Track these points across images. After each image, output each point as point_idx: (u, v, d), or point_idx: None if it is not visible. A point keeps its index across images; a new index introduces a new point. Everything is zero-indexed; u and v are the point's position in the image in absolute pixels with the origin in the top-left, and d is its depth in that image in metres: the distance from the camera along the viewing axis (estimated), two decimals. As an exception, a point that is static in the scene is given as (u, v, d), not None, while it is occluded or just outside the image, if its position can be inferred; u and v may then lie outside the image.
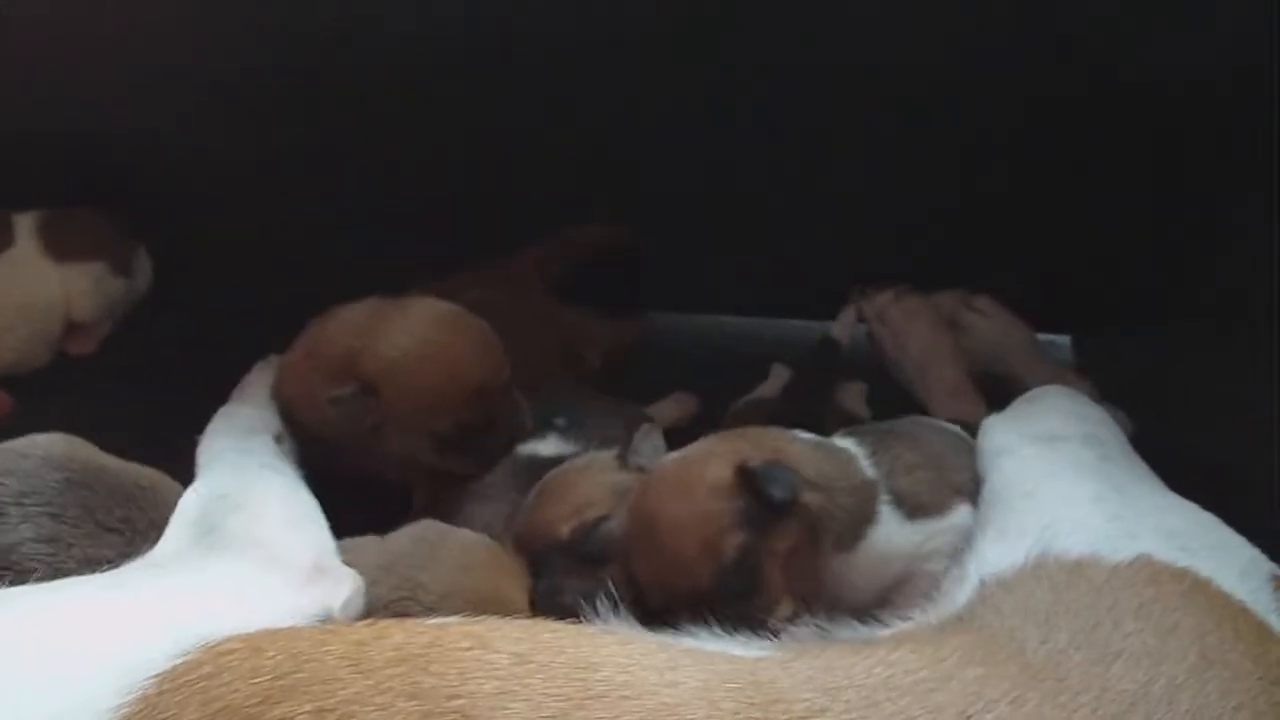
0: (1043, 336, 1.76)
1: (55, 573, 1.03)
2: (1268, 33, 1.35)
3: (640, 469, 1.26)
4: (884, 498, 1.18)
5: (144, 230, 1.90)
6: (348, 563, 1.11)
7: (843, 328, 1.72)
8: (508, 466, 1.43)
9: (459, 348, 1.35)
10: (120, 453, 1.24)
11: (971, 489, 1.19)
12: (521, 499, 1.33)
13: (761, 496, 1.09)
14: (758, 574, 1.09)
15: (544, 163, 1.73)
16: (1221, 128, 1.46)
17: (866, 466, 1.20)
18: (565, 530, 1.21)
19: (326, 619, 0.99)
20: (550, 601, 1.15)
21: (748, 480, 1.10)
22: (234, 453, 1.30)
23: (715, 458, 1.13)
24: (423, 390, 1.32)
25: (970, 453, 1.24)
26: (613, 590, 1.07)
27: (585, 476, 1.27)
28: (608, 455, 1.31)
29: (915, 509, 1.18)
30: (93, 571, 1.00)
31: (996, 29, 1.48)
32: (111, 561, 1.04)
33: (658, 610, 1.08)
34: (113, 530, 1.12)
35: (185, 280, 1.92)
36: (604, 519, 1.21)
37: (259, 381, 1.55)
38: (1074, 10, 1.45)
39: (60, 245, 1.81)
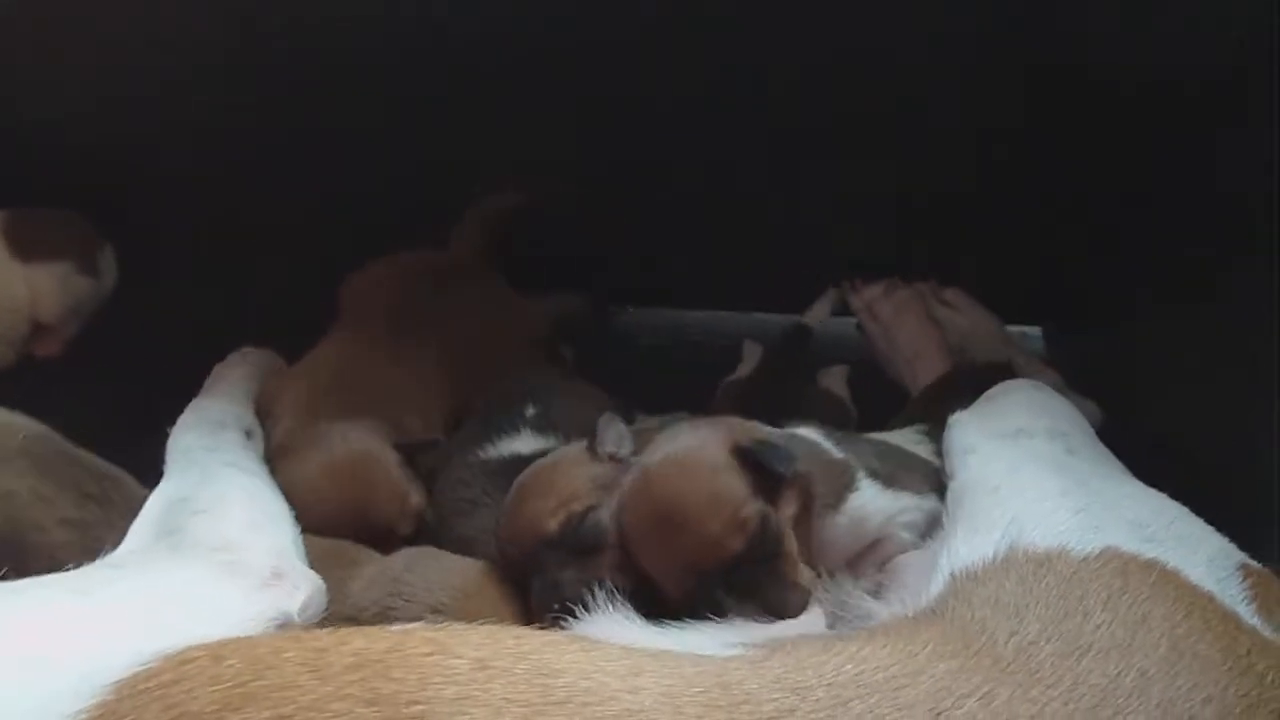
0: (1013, 328, 1.77)
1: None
2: (1238, 28, 1.35)
3: (611, 457, 1.25)
4: (860, 471, 1.23)
5: (110, 230, 1.87)
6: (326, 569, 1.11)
7: (816, 314, 1.72)
8: (484, 473, 1.41)
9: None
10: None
11: (939, 488, 1.23)
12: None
13: (765, 469, 1.13)
14: (780, 538, 1.12)
15: (532, 161, 1.71)
16: (1192, 120, 1.45)
17: (833, 449, 1.25)
18: (553, 524, 1.19)
19: (285, 623, 0.98)
20: (549, 598, 1.13)
21: (747, 458, 1.14)
22: (201, 450, 1.29)
23: (707, 444, 1.16)
24: None
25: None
26: (609, 581, 1.10)
27: (561, 470, 1.25)
28: (576, 448, 1.29)
29: (890, 481, 1.24)
30: (75, 533, 1.05)
31: (967, 27, 1.48)
32: (91, 527, 1.08)
33: (663, 601, 1.10)
34: (91, 498, 1.14)
35: (151, 280, 1.88)
36: (591, 509, 1.19)
37: (232, 374, 1.54)
38: (1043, 8, 1.45)
39: (25, 245, 1.76)
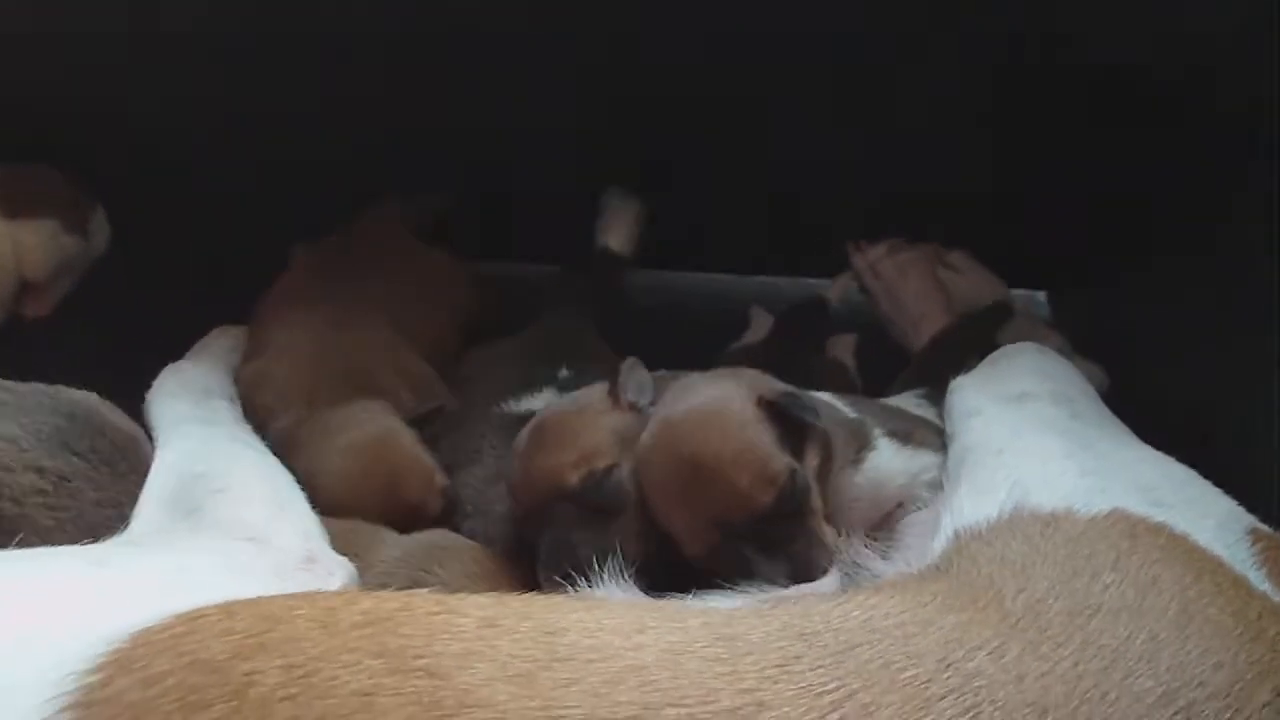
0: (1019, 292, 1.75)
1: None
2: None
3: (633, 406, 1.22)
4: (877, 430, 1.22)
5: (104, 191, 1.84)
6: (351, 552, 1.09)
7: (836, 290, 1.72)
8: (498, 426, 1.39)
9: None
10: None
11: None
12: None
13: (792, 420, 1.12)
14: (808, 493, 1.11)
15: (529, 128, 1.68)
16: (1197, 83, 1.43)
17: (847, 409, 1.24)
18: (574, 479, 1.14)
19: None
20: (558, 556, 1.11)
21: (774, 410, 1.12)
22: (197, 421, 1.27)
23: (732, 396, 1.13)
24: None
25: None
26: (621, 549, 1.08)
27: (585, 420, 1.20)
28: (599, 394, 1.25)
29: (908, 439, 1.22)
30: (45, 482, 1.02)
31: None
32: (70, 479, 1.05)
33: (679, 567, 1.09)
34: (75, 453, 1.10)
35: (147, 242, 1.85)
36: (614, 467, 1.16)
37: (216, 345, 1.53)
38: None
39: (10, 202, 1.71)
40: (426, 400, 1.48)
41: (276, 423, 1.40)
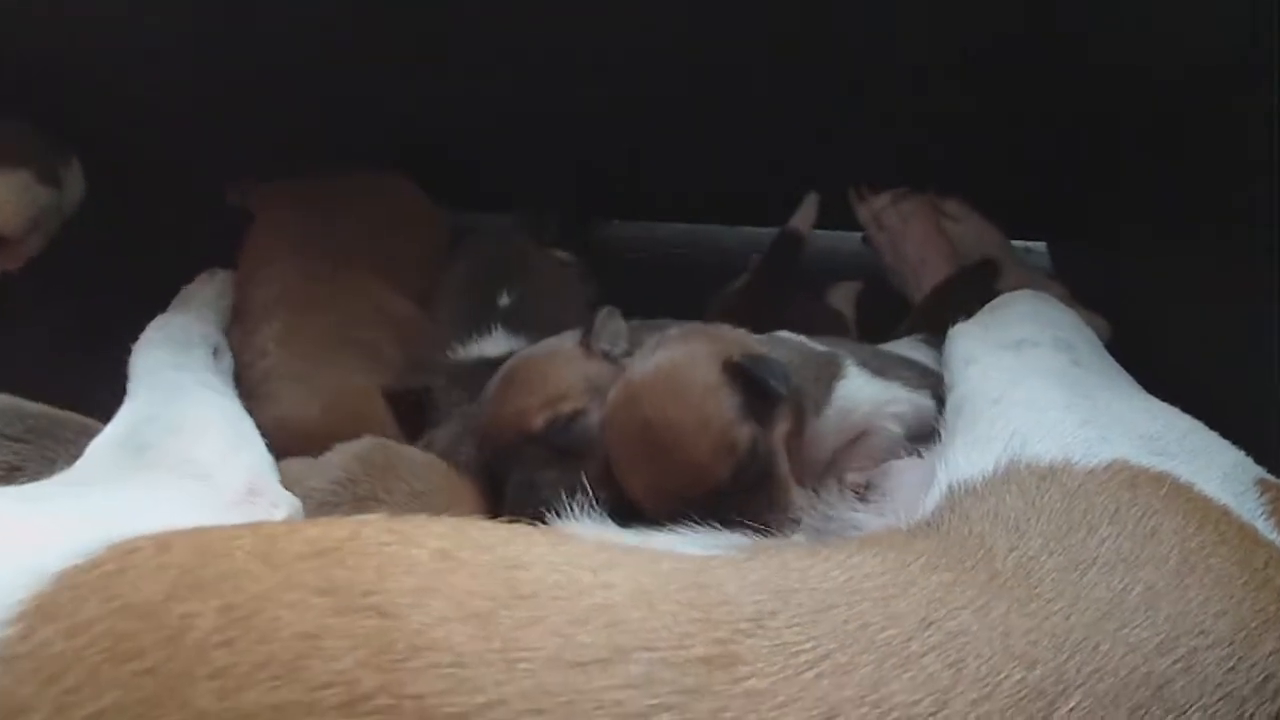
0: (1018, 243, 1.71)
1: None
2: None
3: (606, 355, 1.20)
4: (848, 360, 1.20)
5: (80, 143, 1.77)
6: (291, 486, 1.05)
7: (803, 218, 1.67)
8: (453, 379, 1.35)
9: None
10: (52, 373, 1.19)
11: (933, 389, 1.20)
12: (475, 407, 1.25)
13: (760, 388, 1.08)
14: (771, 461, 1.08)
15: (510, 76, 1.62)
16: (1200, 34, 1.38)
17: (817, 345, 1.22)
18: (539, 422, 1.14)
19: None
20: (523, 497, 1.10)
21: (740, 375, 1.08)
22: (169, 369, 1.23)
23: (698, 360, 1.10)
24: None
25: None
26: (590, 489, 1.06)
27: (553, 365, 1.20)
28: (570, 340, 1.23)
29: (880, 372, 1.20)
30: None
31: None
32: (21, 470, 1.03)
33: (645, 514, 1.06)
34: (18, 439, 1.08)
35: (121, 194, 1.79)
36: (580, 412, 1.15)
37: (201, 293, 1.48)
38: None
39: None
40: (409, 346, 1.44)
41: (254, 368, 1.36)
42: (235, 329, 1.45)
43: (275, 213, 1.63)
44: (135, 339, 1.29)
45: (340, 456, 1.14)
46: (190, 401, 1.14)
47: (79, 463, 1.01)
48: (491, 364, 1.28)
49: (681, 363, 1.10)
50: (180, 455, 1.01)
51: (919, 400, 1.19)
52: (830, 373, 1.18)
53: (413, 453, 1.18)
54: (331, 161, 1.65)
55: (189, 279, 1.52)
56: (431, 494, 1.11)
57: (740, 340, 1.16)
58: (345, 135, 1.72)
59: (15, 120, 1.69)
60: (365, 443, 1.17)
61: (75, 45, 1.61)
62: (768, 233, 1.72)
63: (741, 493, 1.05)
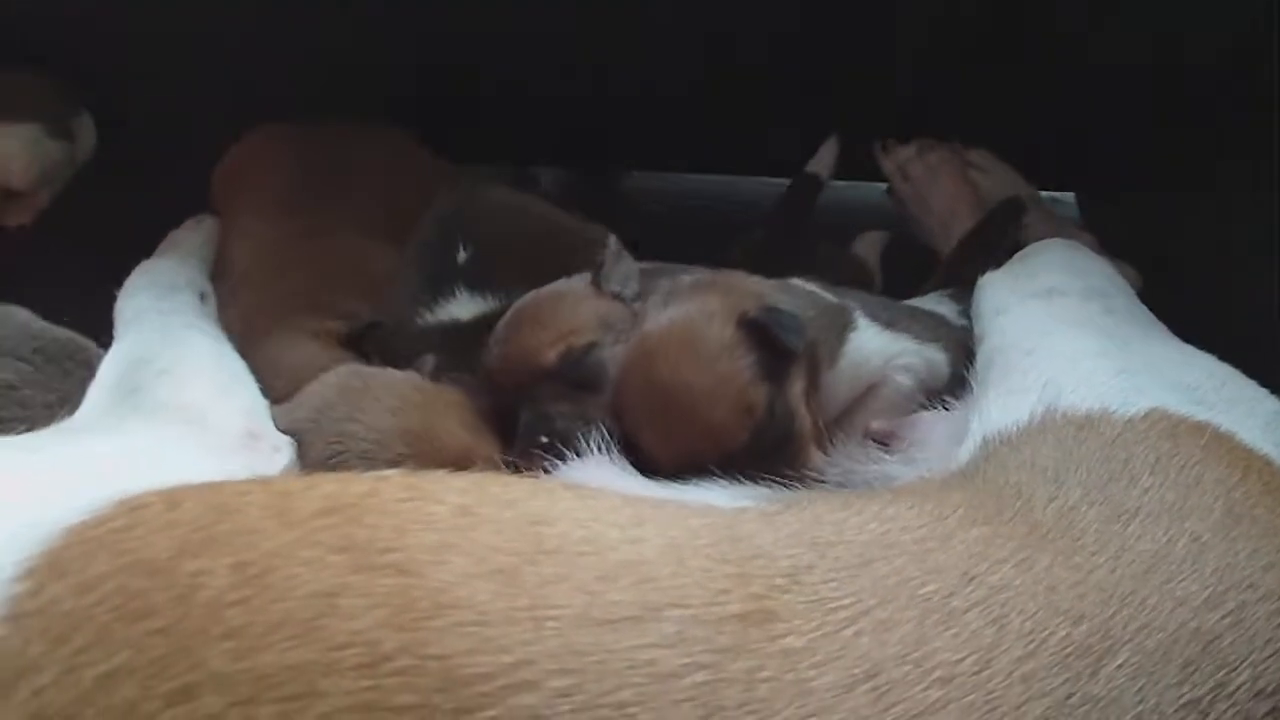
0: (1046, 194, 1.67)
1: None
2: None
3: (616, 295, 1.16)
4: (858, 311, 1.17)
5: (91, 96, 1.74)
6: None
7: (821, 162, 1.63)
8: (427, 346, 1.28)
9: None
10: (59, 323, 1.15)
11: (947, 342, 1.19)
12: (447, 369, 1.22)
13: (777, 345, 1.04)
14: (790, 420, 1.05)
15: (528, 28, 1.59)
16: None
17: (828, 295, 1.19)
18: (551, 356, 1.10)
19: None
20: (537, 431, 1.06)
21: (756, 332, 1.04)
22: (155, 312, 1.21)
23: (712, 317, 1.05)
24: None
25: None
26: (604, 425, 1.05)
27: (564, 302, 1.16)
28: (580, 280, 1.19)
29: (890, 325, 1.18)
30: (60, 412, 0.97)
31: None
32: (17, 388, 1.02)
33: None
34: (21, 359, 1.06)
35: (132, 149, 1.75)
36: (593, 345, 1.11)
37: (188, 239, 1.46)
38: None
39: None
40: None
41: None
42: (217, 284, 1.42)
43: (263, 159, 1.58)
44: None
45: (317, 386, 1.12)
46: (177, 343, 1.11)
47: (79, 410, 1.00)
48: (464, 327, 1.25)
49: (696, 320, 1.06)
50: (175, 400, 0.99)
51: (929, 353, 1.17)
52: (842, 323, 1.15)
53: (388, 373, 1.15)
54: (337, 114, 1.61)
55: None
56: (408, 409, 1.08)
57: (754, 291, 1.11)
58: (351, 86, 1.65)
59: (26, 72, 1.66)
60: (340, 370, 1.15)
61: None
62: (780, 184, 1.69)
63: (760, 453, 1.01)
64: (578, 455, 0.99)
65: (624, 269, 1.18)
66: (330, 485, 0.69)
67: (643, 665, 0.59)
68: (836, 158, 1.64)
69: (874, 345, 1.15)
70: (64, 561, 0.63)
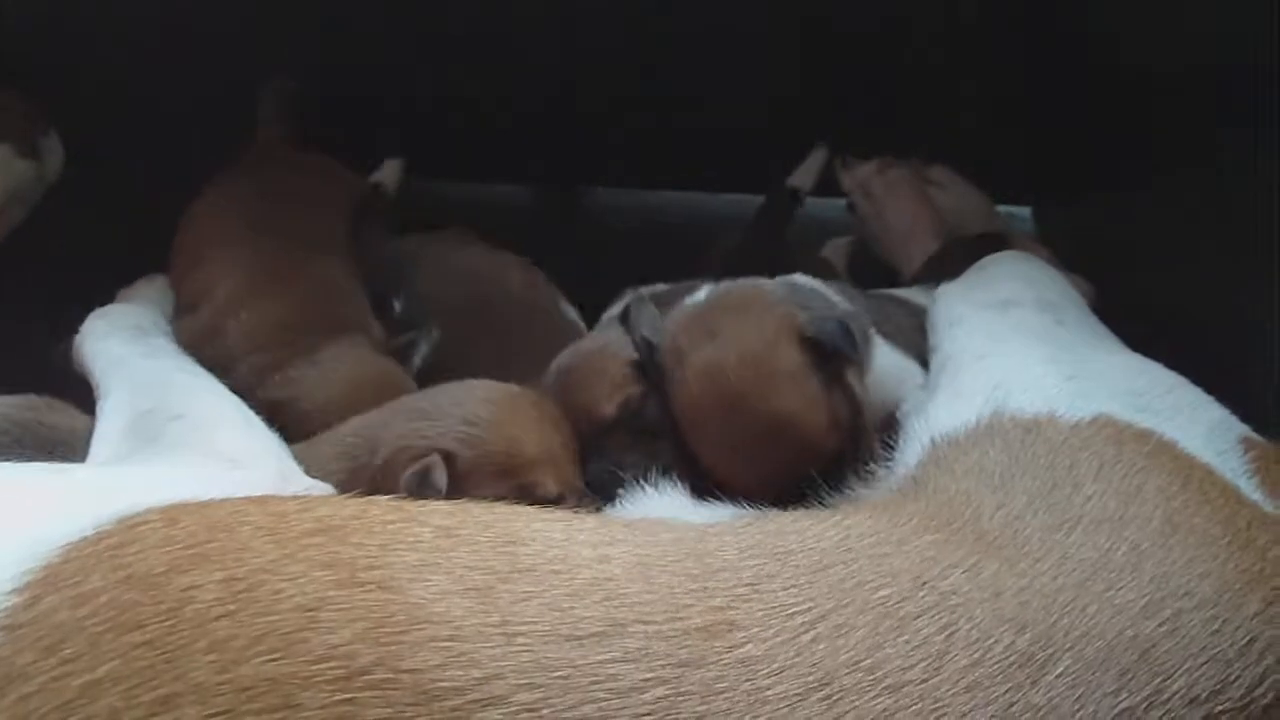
0: (1002, 208, 1.64)
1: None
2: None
3: (645, 340, 1.13)
4: (870, 328, 1.15)
5: (56, 114, 1.67)
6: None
7: (804, 176, 1.59)
8: None
9: None
10: (32, 346, 1.16)
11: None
12: None
13: (838, 355, 1.05)
14: (860, 415, 1.06)
15: (484, 39, 1.57)
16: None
17: (839, 300, 1.16)
18: (611, 408, 1.11)
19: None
20: (611, 484, 1.06)
21: (816, 347, 1.05)
22: (138, 356, 1.16)
23: (776, 343, 1.05)
24: None
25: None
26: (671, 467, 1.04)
27: (606, 357, 1.16)
28: (615, 332, 1.19)
29: (891, 339, 1.16)
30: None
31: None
32: None
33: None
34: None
35: (100, 166, 1.68)
36: (647, 393, 1.11)
37: (142, 290, 1.37)
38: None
39: None
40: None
41: (237, 368, 1.24)
42: (186, 320, 1.32)
43: (212, 200, 1.45)
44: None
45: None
46: (182, 388, 1.07)
47: (92, 455, 0.97)
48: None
49: (760, 349, 1.05)
50: (193, 439, 0.95)
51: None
52: (864, 333, 1.12)
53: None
54: (313, 132, 1.57)
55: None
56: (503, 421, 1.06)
57: (787, 302, 1.10)
58: (326, 104, 1.63)
59: None
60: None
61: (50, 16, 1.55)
62: (758, 200, 1.65)
63: (844, 456, 1.03)
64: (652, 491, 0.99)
65: (649, 315, 1.16)
66: (324, 507, 0.69)
67: (606, 680, 0.59)
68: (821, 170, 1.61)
69: (890, 360, 1.14)
70: (61, 576, 0.62)
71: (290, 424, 1.09)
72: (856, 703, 0.61)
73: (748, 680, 0.61)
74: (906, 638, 0.65)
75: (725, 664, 0.62)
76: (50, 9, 1.54)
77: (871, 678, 0.63)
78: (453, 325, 1.34)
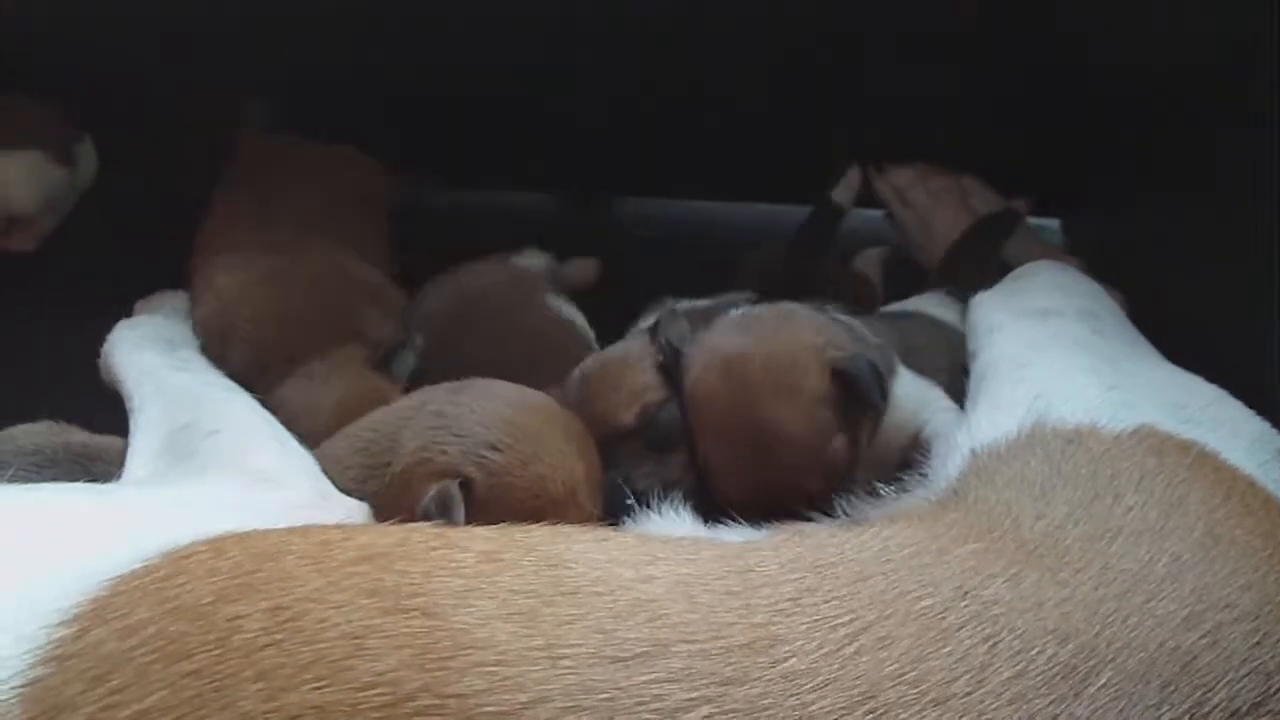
0: (1031, 220, 1.59)
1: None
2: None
3: (673, 347, 1.13)
4: (895, 358, 1.13)
5: (91, 122, 1.67)
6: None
7: (844, 192, 1.56)
8: None
9: None
10: (64, 354, 1.15)
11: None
12: None
13: (863, 400, 1.04)
14: (855, 466, 1.05)
15: (512, 39, 1.54)
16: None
17: (868, 334, 1.14)
18: (629, 417, 1.10)
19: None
20: (623, 494, 1.05)
21: (845, 383, 1.03)
22: (169, 369, 1.15)
23: (808, 365, 1.04)
24: None
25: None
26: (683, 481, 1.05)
27: (632, 362, 1.15)
28: (641, 341, 1.18)
29: (919, 368, 1.14)
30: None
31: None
32: None
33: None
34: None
35: (135, 174, 1.68)
36: (666, 401, 1.10)
37: (163, 302, 1.36)
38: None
39: None
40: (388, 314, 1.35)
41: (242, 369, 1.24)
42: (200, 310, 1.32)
43: (226, 194, 1.45)
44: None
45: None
46: (217, 403, 1.07)
47: (127, 474, 0.97)
48: None
49: (789, 364, 1.04)
50: (230, 456, 0.96)
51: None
52: (889, 366, 1.10)
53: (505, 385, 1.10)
54: (330, 136, 1.54)
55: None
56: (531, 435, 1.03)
57: (828, 330, 1.09)
58: (344, 107, 1.60)
59: (27, 98, 1.60)
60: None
61: (81, 19, 1.54)
62: (780, 210, 1.64)
63: (828, 494, 1.00)
64: (660, 514, 0.98)
65: (679, 329, 1.15)
66: (366, 536, 0.69)
67: (651, 700, 0.59)
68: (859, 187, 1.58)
69: (914, 393, 1.12)
70: (109, 608, 0.62)
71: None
72: (902, 716, 0.61)
73: (793, 696, 0.61)
74: (950, 649, 0.64)
75: (769, 680, 0.61)
76: (53, 11, 1.54)
77: (916, 690, 0.62)
78: (438, 329, 1.34)
